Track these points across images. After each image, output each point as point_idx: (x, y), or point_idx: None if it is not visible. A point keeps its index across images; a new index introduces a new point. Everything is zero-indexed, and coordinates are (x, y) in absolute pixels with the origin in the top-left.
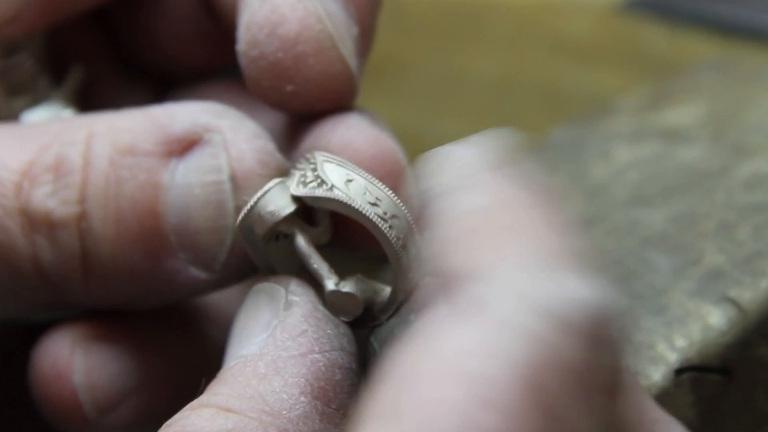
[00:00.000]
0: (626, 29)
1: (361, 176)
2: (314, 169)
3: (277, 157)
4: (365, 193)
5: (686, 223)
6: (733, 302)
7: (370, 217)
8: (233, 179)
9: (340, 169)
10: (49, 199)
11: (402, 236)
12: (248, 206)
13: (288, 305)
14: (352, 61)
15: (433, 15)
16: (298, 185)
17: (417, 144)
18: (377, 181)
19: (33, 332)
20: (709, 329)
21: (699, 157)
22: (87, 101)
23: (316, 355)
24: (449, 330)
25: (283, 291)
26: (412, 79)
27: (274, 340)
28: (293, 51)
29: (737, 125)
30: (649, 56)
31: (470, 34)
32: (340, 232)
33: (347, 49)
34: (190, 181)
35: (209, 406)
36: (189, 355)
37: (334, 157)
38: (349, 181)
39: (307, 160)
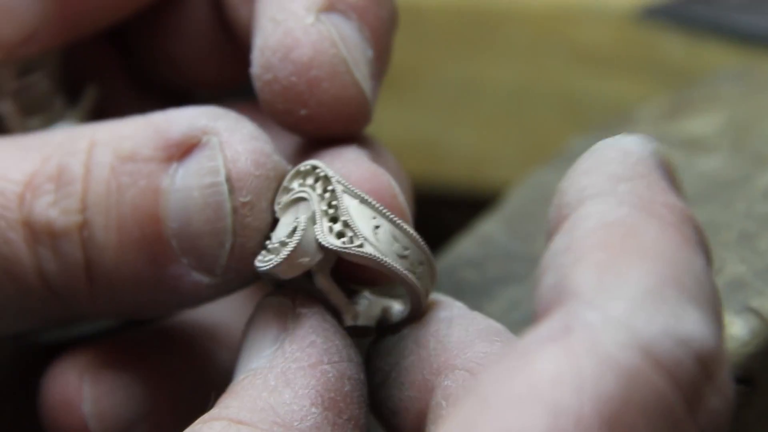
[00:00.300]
0: (644, 38)
1: (385, 218)
2: (335, 206)
3: (274, 158)
4: (393, 243)
5: (707, 233)
6: (755, 312)
7: (403, 275)
8: (229, 180)
9: (364, 209)
10: (51, 209)
11: (426, 282)
12: (281, 258)
13: (296, 317)
14: (366, 84)
15: (449, 24)
16: (323, 231)
17: (433, 153)
18: (399, 220)
19: (48, 353)
20: (731, 339)
21: (719, 166)
22: (102, 120)
23: (326, 366)
24: (541, 352)
25: (290, 303)
26: (428, 88)
27: (283, 352)
28: (307, 75)
29: (757, 134)
30: (668, 65)
31: (487, 43)
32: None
33: (361, 72)
34: (189, 185)
35: (220, 419)
36: (198, 379)
37: (349, 186)
38: (377, 227)
39: (320, 179)
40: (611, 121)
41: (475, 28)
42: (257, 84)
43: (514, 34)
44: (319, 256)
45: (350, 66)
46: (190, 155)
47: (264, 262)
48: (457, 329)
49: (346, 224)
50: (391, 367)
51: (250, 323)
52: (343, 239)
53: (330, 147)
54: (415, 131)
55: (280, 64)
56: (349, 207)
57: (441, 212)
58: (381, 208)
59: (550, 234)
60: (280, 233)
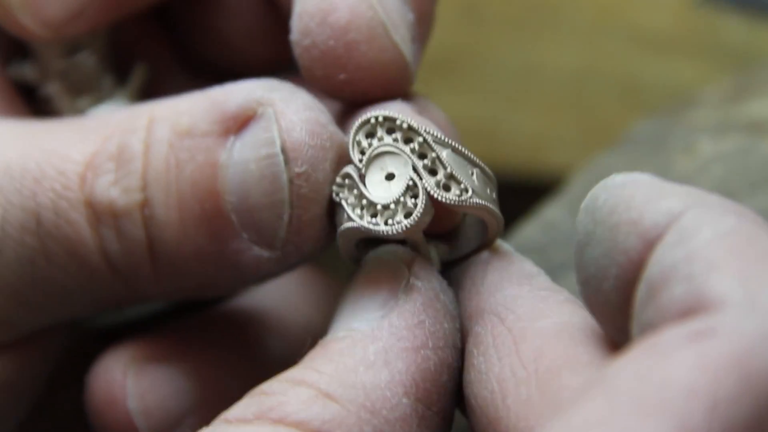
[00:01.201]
0: (705, 20)
1: (474, 164)
2: (432, 158)
3: (330, 128)
4: (486, 187)
5: None
6: None
7: (499, 217)
8: (284, 151)
9: (457, 158)
10: (112, 188)
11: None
12: (415, 220)
13: (409, 289)
14: (406, 47)
15: (508, 7)
16: (432, 186)
17: (492, 138)
18: (483, 163)
19: (101, 339)
20: None
21: None
22: (151, 99)
23: (429, 352)
24: (678, 354)
25: (406, 271)
26: (487, 72)
27: (390, 325)
28: (344, 39)
29: None
30: (729, 48)
31: (546, 26)
32: None
33: (401, 35)
34: (246, 157)
35: (309, 386)
36: (247, 368)
37: (437, 134)
38: (471, 174)
39: (399, 130)
40: (674, 104)
41: (534, 12)
42: (296, 50)
43: (573, 17)
44: (432, 212)
45: (388, 28)
46: (247, 128)
47: (381, 224)
48: (491, 272)
49: (450, 176)
50: None
51: (361, 274)
52: (452, 192)
53: (373, 105)
54: (474, 115)
55: (318, 29)
56: (447, 158)
57: (500, 196)
58: (470, 154)
59: (631, 259)
60: (380, 193)
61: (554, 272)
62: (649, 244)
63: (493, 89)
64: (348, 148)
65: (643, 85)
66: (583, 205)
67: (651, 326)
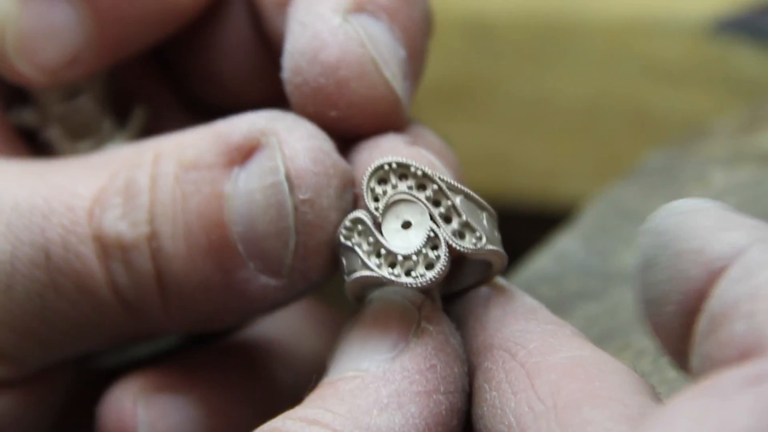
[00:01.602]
0: (717, 51)
1: (484, 209)
2: (446, 205)
3: (334, 156)
4: (494, 230)
5: None
6: None
7: (504, 257)
8: (288, 178)
9: (469, 204)
10: (120, 222)
11: None
12: (439, 272)
13: (420, 332)
14: (397, 84)
15: (520, 38)
16: (450, 235)
17: (504, 168)
18: (491, 208)
19: (107, 378)
20: None
21: None
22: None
23: (440, 396)
24: (738, 397)
25: (416, 314)
26: (499, 102)
27: (402, 368)
28: (335, 76)
29: None
30: (741, 78)
31: (558, 58)
32: None
33: (392, 72)
34: (252, 187)
35: (325, 427)
36: (256, 398)
37: (450, 181)
38: (482, 220)
39: (412, 177)
40: (687, 135)
41: (545, 43)
42: (288, 88)
43: (585, 48)
44: (451, 261)
45: (379, 65)
46: (251, 158)
47: (403, 275)
48: (493, 307)
49: (465, 224)
50: None
51: (368, 316)
52: (468, 240)
53: (366, 141)
54: (486, 146)
55: (309, 67)
56: (461, 205)
57: (512, 227)
58: (479, 198)
59: (695, 288)
60: (398, 242)
61: (568, 302)
62: (713, 275)
63: (504, 119)
64: (361, 191)
65: (656, 115)
66: (645, 227)
67: (709, 360)
